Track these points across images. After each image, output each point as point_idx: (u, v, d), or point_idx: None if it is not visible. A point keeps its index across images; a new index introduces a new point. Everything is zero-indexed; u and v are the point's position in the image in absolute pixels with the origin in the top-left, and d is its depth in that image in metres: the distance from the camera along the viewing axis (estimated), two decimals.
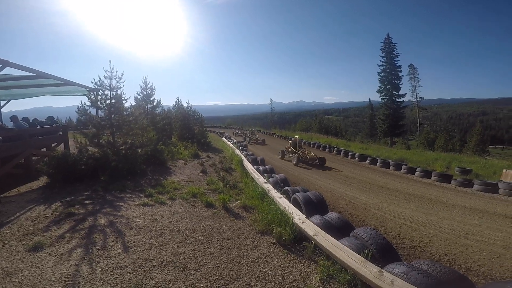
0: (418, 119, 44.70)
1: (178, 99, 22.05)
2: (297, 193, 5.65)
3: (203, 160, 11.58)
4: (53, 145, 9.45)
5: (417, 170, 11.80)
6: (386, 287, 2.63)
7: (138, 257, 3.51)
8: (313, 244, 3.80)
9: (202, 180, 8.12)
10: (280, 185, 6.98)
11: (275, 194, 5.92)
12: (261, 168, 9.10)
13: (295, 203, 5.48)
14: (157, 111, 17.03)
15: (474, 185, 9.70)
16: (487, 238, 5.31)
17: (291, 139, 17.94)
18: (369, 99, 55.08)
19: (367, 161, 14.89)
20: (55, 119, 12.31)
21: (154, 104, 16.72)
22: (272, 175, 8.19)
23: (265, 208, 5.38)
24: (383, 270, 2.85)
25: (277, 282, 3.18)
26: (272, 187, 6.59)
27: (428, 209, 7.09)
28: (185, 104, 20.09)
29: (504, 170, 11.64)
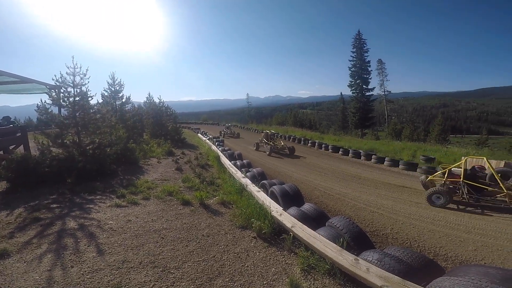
0: (386, 112, 47.12)
1: (149, 95, 21.21)
2: (274, 186, 5.72)
3: (178, 157, 11.30)
4: (11, 147, 8.68)
5: (385, 159, 12.50)
6: (363, 274, 2.74)
7: (114, 259, 3.40)
8: (291, 235, 3.87)
9: (177, 178, 7.93)
10: (257, 179, 7.02)
11: (253, 188, 5.94)
12: (238, 163, 9.08)
13: (273, 196, 5.54)
14: (126, 108, 16.25)
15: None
16: (451, 223, 5.70)
17: (263, 132, 18.89)
18: (341, 93, 56.86)
19: (339, 152, 15.45)
20: (12, 119, 11.31)
21: (123, 100, 15.93)
22: (249, 169, 8.20)
23: (244, 202, 5.39)
24: (359, 258, 2.98)
25: (260, 276, 3.22)
26: (249, 181, 6.60)
27: (397, 197, 7.54)
28: (157, 100, 19.35)
29: (463, 158, 12.65)
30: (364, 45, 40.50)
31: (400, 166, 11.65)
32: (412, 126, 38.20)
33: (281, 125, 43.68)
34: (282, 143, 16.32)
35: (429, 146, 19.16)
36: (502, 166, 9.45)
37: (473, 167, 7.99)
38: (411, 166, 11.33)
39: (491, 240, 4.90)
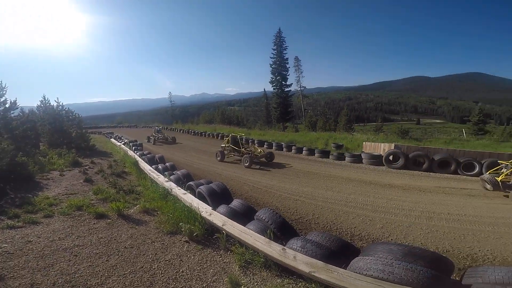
0: (302, 106, 51.84)
1: (44, 98, 17.64)
2: (201, 187, 5.53)
3: (87, 167, 9.78)
4: None
5: (303, 149, 13.78)
6: (291, 263, 2.86)
7: (19, 284, 2.98)
8: (224, 234, 3.81)
9: (87, 191, 6.83)
10: (183, 181, 6.67)
11: (179, 192, 5.67)
12: (160, 166, 8.43)
13: (201, 196, 5.36)
14: (12, 114, 13.10)
15: (346, 158, 12.01)
16: (360, 204, 6.40)
17: (224, 136, 16.41)
18: (264, 89, 58.90)
19: (265, 145, 16.20)
20: None
21: (7, 106, 12.77)
22: (174, 172, 7.72)
23: (170, 207, 5.12)
24: (286, 247, 3.08)
25: (198, 279, 3.09)
26: (174, 184, 6.26)
27: (315, 183, 8.26)
28: (54, 103, 16.27)
29: (364, 143, 14.95)
30: (284, 42, 42.28)
31: (316, 154, 12.98)
32: (325, 118, 43.21)
33: (209, 123, 43.05)
34: (260, 149, 12.38)
35: (338, 134, 22.01)
36: (392, 148, 11.55)
37: None
38: (325, 154, 12.78)
39: (393, 217, 5.62)
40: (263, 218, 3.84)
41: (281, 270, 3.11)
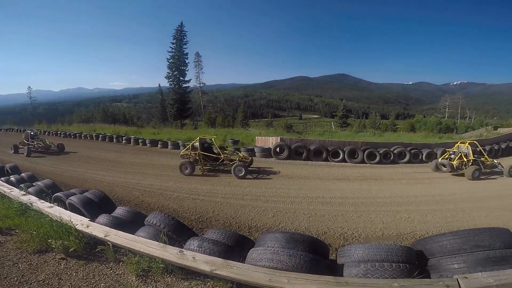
0: (201, 102, 51.45)
1: None
2: (72, 197, 4.65)
3: None
4: None
5: None
6: (191, 264, 2.74)
7: None
8: (110, 245, 3.35)
9: None
10: (47, 193, 5.45)
11: (42, 205, 4.60)
12: (13, 178, 6.55)
13: (73, 208, 4.51)
14: None
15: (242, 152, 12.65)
16: (255, 196, 6.80)
17: (107, 137, 13.20)
18: (159, 84, 55.66)
19: (158, 145, 15.14)
20: None
21: None
22: (33, 183, 6.16)
23: (33, 224, 4.13)
24: (183, 249, 2.95)
25: None
26: (35, 198, 5.02)
27: (214, 180, 8.34)
28: None
29: (256, 137, 16.18)
30: (185, 37, 40.69)
31: None
32: (224, 114, 44.37)
33: (86, 122, 36.58)
34: (241, 154, 10.46)
35: (236, 130, 23.03)
36: (278, 141, 12.97)
37: None
38: (222, 150, 13.04)
39: (281, 205, 6.19)
40: (154, 222, 3.59)
41: (185, 273, 2.97)
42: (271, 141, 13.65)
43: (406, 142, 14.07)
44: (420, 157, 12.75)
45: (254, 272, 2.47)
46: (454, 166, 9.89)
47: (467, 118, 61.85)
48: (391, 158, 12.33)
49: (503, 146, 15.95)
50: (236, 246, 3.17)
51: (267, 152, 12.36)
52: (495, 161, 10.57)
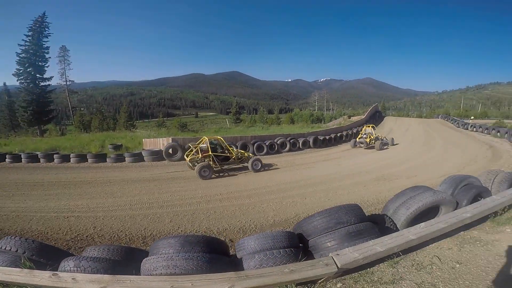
0: (69, 103, 42.58)
1: None
2: None
3: None
4: None
5: (71, 156, 11.25)
6: (74, 286, 2.33)
7: None
8: None
9: None
10: None
11: None
12: None
13: None
14: None
15: (126, 159, 11.24)
16: (146, 204, 6.22)
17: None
18: (4, 83, 44.14)
19: (7, 160, 11.47)
20: None
21: None
22: None
23: None
24: (57, 272, 2.47)
25: None
26: None
27: (91, 194, 7.03)
28: None
29: (144, 140, 14.68)
30: (47, 29, 32.86)
31: (90, 160, 11.09)
32: (101, 116, 38.13)
33: None
34: (246, 153, 10.58)
35: (117, 133, 20.24)
36: (170, 141, 12.23)
37: None
38: (101, 158, 11.22)
39: (178, 208, 5.92)
40: (8, 248, 2.85)
41: None
42: (161, 143, 12.79)
43: (286, 134, 16.21)
44: (297, 146, 14.98)
45: (153, 282, 2.26)
46: (368, 142, 15.40)
47: (331, 110, 76.85)
48: (276, 148, 13.86)
49: (354, 130, 21.90)
50: (125, 260, 2.87)
51: (157, 155, 11.49)
52: (386, 137, 17.04)
